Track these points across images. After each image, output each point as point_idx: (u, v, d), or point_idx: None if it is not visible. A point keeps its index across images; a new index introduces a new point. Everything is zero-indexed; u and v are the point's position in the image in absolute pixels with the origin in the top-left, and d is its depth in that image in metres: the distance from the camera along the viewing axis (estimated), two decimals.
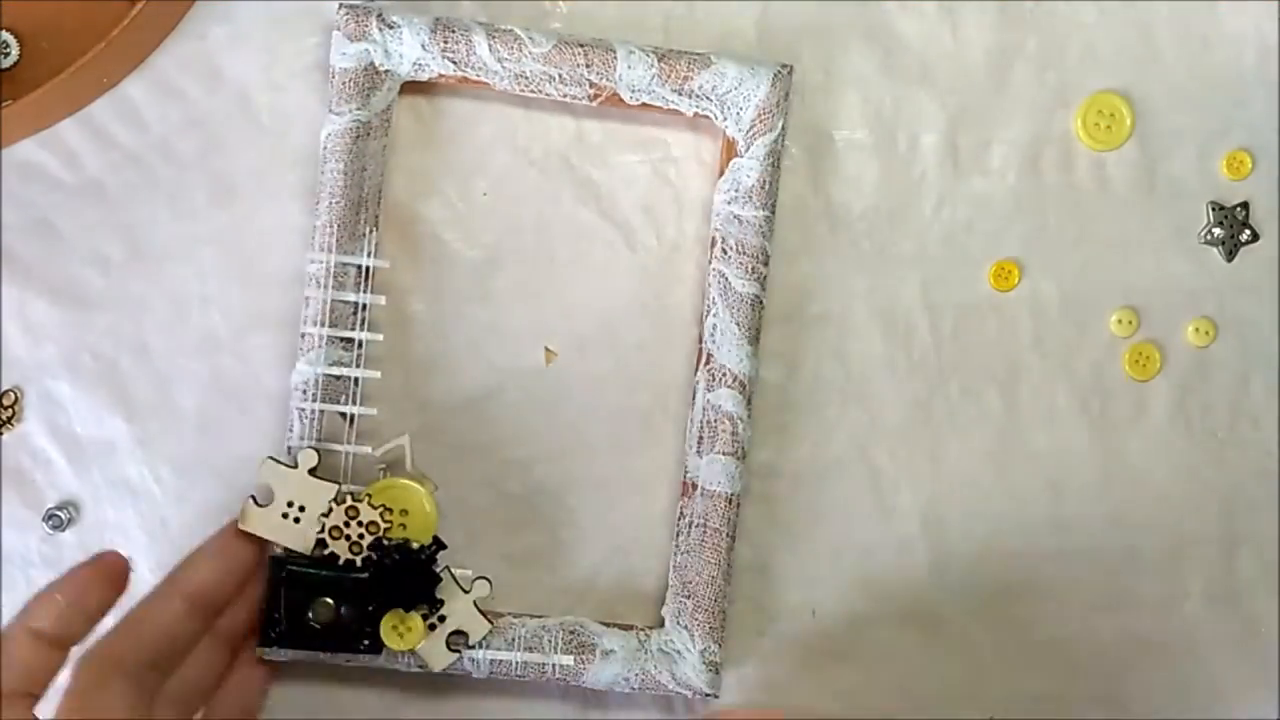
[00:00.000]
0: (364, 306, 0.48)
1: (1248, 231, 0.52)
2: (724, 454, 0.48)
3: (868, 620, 0.51)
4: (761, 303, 0.48)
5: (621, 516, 0.50)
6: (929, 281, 0.51)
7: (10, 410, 0.49)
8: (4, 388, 0.49)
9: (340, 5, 0.47)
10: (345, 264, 0.47)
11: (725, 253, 0.48)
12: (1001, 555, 0.52)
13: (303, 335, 0.47)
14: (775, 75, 0.47)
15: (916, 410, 0.51)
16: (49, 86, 0.46)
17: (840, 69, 0.49)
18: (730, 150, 0.48)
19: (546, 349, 0.50)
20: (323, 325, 0.47)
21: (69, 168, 0.49)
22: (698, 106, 0.48)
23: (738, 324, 0.48)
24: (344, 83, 0.47)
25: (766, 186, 0.48)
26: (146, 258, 0.49)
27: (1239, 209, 0.52)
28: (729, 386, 0.48)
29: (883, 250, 0.51)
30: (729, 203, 0.48)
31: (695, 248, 0.51)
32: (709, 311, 0.48)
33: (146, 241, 0.49)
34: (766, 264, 0.48)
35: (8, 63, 0.49)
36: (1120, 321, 0.52)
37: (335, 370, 0.47)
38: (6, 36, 0.49)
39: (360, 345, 0.48)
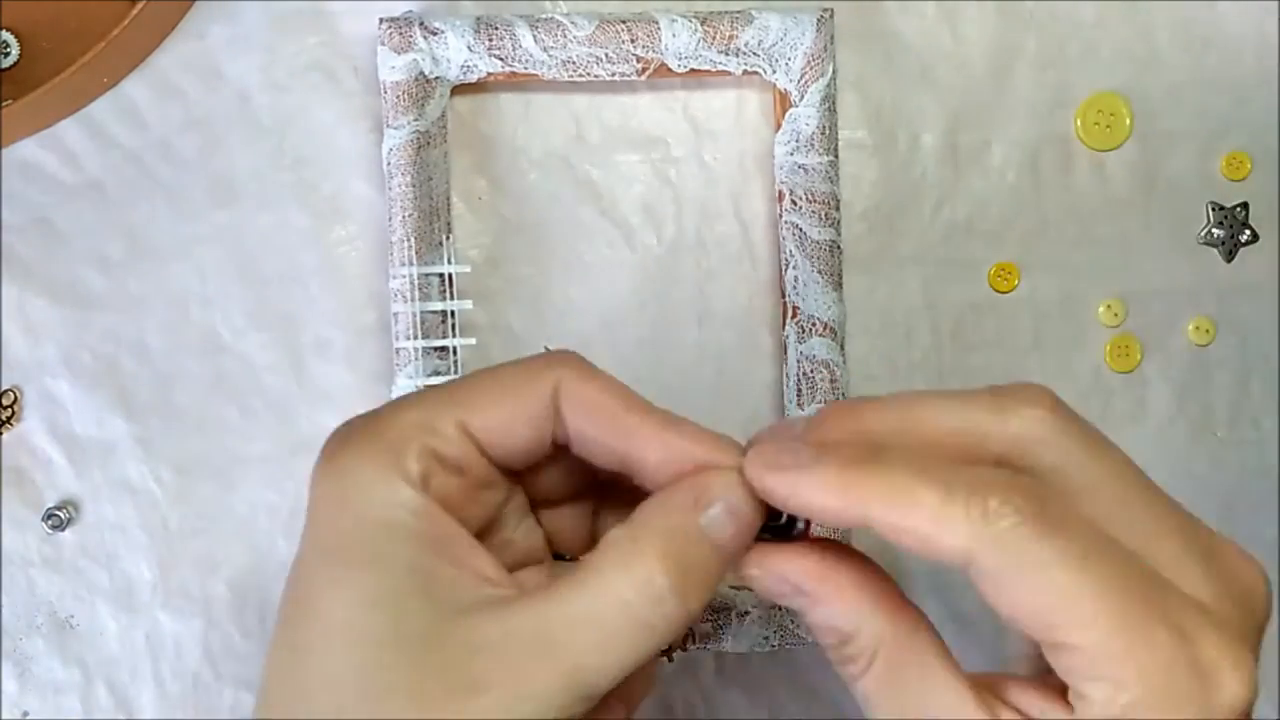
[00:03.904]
0: (452, 313, 0.48)
1: (1247, 231, 0.52)
2: (826, 402, 0.48)
3: None
4: (839, 248, 0.49)
5: None
6: (929, 281, 0.51)
7: (10, 410, 0.49)
8: (4, 387, 0.49)
9: (381, 20, 0.47)
10: (428, 274, 0.47)
11: (795, 204, 0.48)
12: None
13: (397, 350, 0.47)
14: (819, 20, 0.48)
15: None
16: (49, 86, 0.46)
17: (840, 69, 0.49)
18: (784, 102, 0.49)
19: (546, 348, 0.50)
20: (416, 338, 0.47)
21: (69, 168, 0.49)
22: (746, 64, 0.48)
23: (820, 272, 0.48)
24: (397, 96, 0.47)
25: (826, 132, 0.48)
26: (146, 258, 0.49)
27: (1239, 209, 0.52)
28: (820, 335, 0.48)
29: (883, 250, 0.51)
30: (791, 154, 0.48)
31: (695, 247, 0.51)
32: (788, 265, 0.49)
33: (146, 241, 0.49)
34: (838, 209, 0.49)
35: (8, 63, 0.49)
36: (1108, 309, 0.52)
37: (435, 380, 0.47)
38: (6, 36, 0.49)
39: (455, 352, 0.48)
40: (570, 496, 0.36)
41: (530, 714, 0.29)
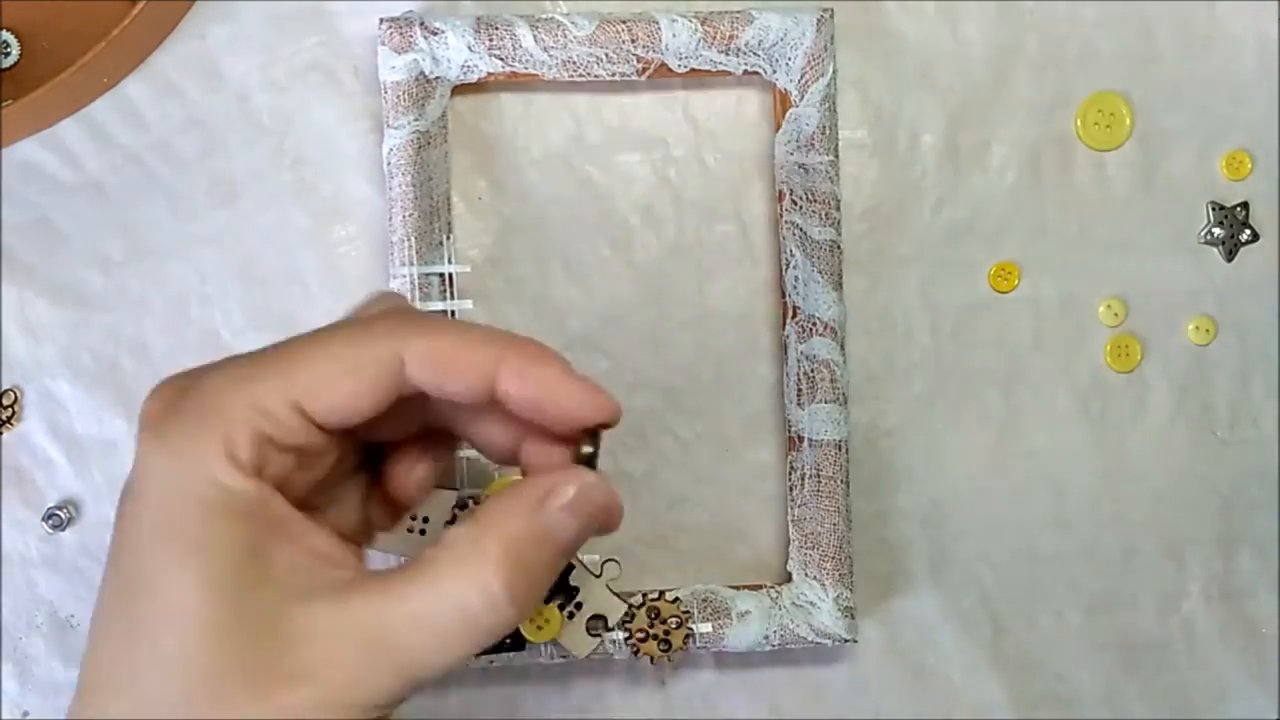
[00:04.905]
0: (453, 313, 0.48)
1: (1248, 231, 0.52)
2: (826, 401, 0.48)
3: (865, 620, 0.51)
4: (840, 247, 0.49)
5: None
6: (929, 281, 0.51)
7: (10, 410, 0.49)
8: (4, 387, 0.49)
9: (381, 20, 0.47)
10: (428, 274, 0.47)
11: (796, 203, 0.48)
12: (1001, 555, 0.52)
13: None
14: (819, 20, 0.48)
15: (916, 410, 0.51)
16: (49, 86, 0.46)
17: (840, 69, 0.49)
18: (784, 102, 0.49)
19: None
20: None
21: (69, 168, 0.49)
22: (746, 64, 0.48)
23: (820, 272, 0.48)
24: (397, 96, 0.47)
25: (827, 131, 0.48)
26: (146, 258, 0.49)
27: (1239, 209, 0.52)
28: (820, 335, 0.48)
29: (882, 250, 0.51)
30: (791, 153, 0.48)
31: (695, 247, 0.51)
32: (788, 265, 0.49)
33: (146, 241, 0.49)
34: (838, 209, 0.49)
35: (8, 63, 0.49)
36: (1108, 309, 0.52)
37: None
38: (6, 36, 0.49)
39: None
40: (412, 437, 0.36)
41: (359, 701, 0.30)
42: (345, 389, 0.31)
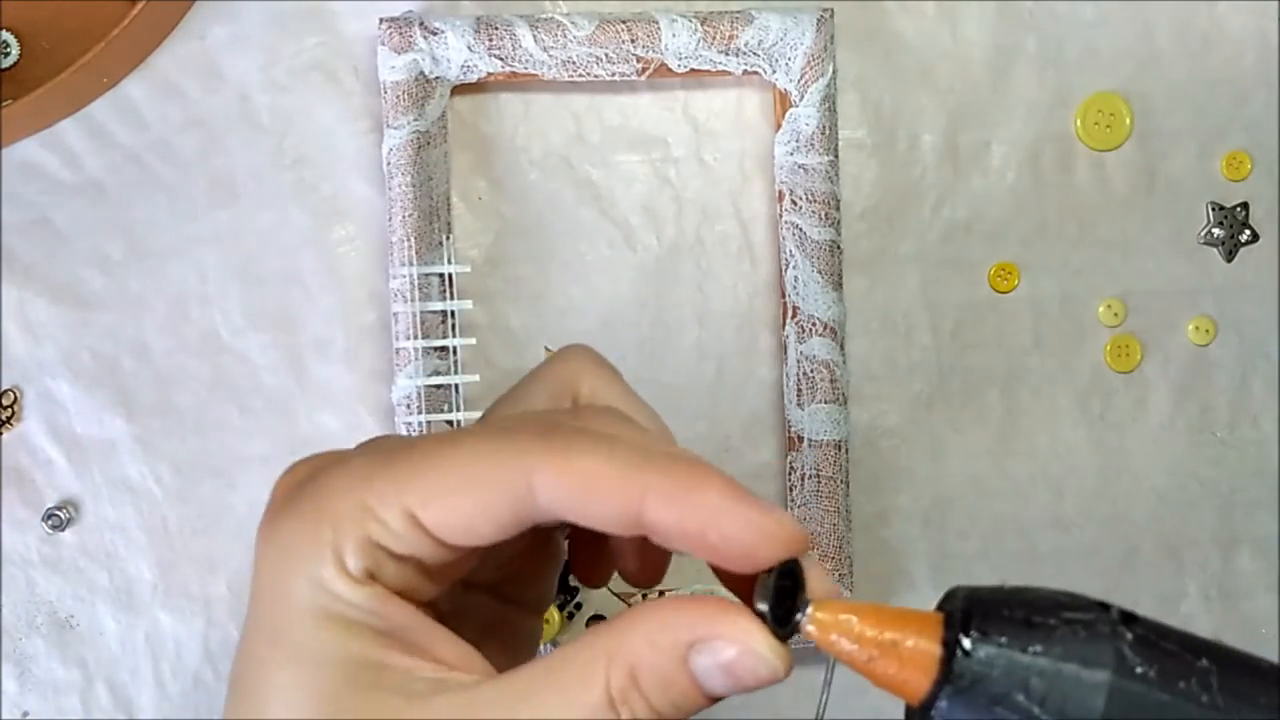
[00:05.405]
0: (452, 313, 0.48)
1: (1247, 231, 0.52)
2: (826, 402, 0.48)
3: None
4: (839, 247, 0.49)
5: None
6: (929, 281, 0.51)
7: (10, 410, 0.49)
8: (4, 387, 0.49)
9: (381, 20, 0.47)
10: (428, 274, 0.47)
11: (795, 204, 0.48)
12: (1001, 555, 0.52)
13: (397, 350, 0.47)
14: (819, 20, 0.48)
15: (916, 410, 0.51)
16: (49, 86, 0.45)
17: (840, 69, 0.49)
18: (784, 102, 0.49)
19: (546, 349, 0.50)
20: (415, 338, 0.47)
21: (69, 168, 0.49)
22: (746, 64, 0.48)
23: (820, 272, 0.48)
24: (397, 96, 0.47)
25: (826, 132, 0.48)
26: (146, 258, 0.49)
27: (1239, 209, 0.52)
28: (820, 335, 0.48)
29: (883, 250, 0.51)
30: (791, 154, 0.48)
31: (695, 247, 0.51)
32: (788, 265, 0.49)
33: (146, 241, 0.49)
34: (838, 208, 0.49)
35: (8, 63, 0.49)
36: (1108, 309, 0.52)
37: (435, 380, 0.47)
38: (6, 36, 0.49)
39: (455, 352, 0.48)
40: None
41: None
42: (462, 508, 0.27)
